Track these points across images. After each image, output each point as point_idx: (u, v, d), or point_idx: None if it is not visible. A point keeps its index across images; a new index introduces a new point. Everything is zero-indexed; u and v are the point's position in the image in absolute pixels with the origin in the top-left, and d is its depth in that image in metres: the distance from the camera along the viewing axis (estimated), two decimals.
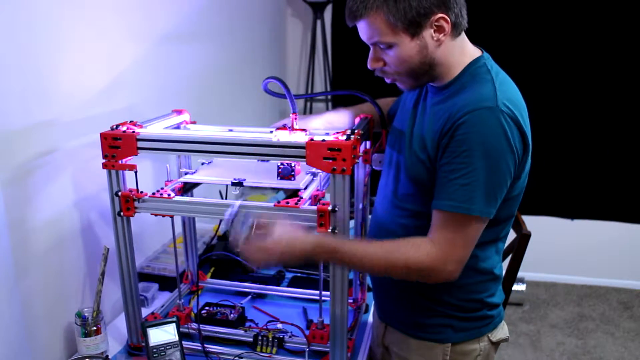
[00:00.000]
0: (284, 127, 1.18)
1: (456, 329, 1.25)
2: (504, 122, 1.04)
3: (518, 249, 1.60)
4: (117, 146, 1.21)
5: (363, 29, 1.12)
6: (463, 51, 1.15)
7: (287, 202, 1.17)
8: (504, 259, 1.40)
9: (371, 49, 1.16)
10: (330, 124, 1.39)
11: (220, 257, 1.75)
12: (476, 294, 1.24)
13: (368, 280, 1.59)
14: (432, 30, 1.09)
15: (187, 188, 1.41)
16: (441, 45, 1.11)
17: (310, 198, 1.22)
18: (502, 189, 1.09)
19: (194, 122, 1.50)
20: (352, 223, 1.42)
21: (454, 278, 1.10)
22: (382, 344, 1.40)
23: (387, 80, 1.20)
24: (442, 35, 1.09)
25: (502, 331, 1.32)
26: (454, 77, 1.15)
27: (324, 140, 1.11)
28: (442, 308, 1.24)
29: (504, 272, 1.36)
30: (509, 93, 1.10)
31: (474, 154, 1.04)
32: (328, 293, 1.22)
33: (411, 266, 1.08)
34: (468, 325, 1.26)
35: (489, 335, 1.28)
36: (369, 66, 1.17)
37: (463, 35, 1.15)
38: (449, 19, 1.08)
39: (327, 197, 1.18)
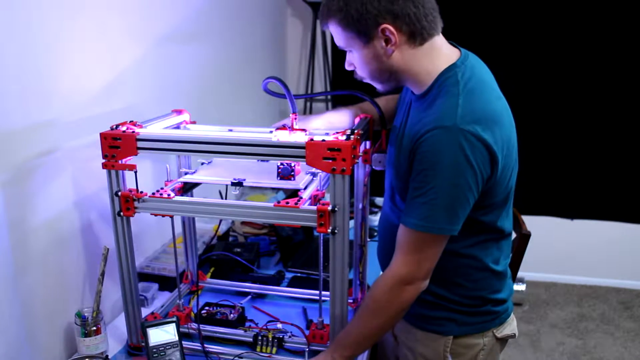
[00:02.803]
0: (284, 127, 1.18)
1: (459, 323, 1.26)
2: (463, 141, 1.03)
3: (518, 249, 1.60)
4: (117, 146, 1.21)
5: (333, 34, 1.19)
6: (433, 58, 1.14)
7: (287, 202, 1.17)
8: None
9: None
10: (331, 124, 1.39)
11: (220, 257, 1.75)
12: (477, 291, 1.25)
13: (368, 281, 1.59)
14: (382, 41, 1.11)
15: (187, 188, 1.41)
16: (395, 55, 1.13)
17: (310, 198, 1.22)
18: (464, 205, 1.09)
19: (194, 122, 1.50)
20: (352, 223, 1.42)
21: (419, 287, 1.14)
22: (392, 333, 1.43)
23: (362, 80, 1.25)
24: (390, 45, 1.11)
25: (509, 327, 1.32)
26: (428, 86, 1.15)
27: (323, 140, 1.11)
28: (444, 302, 1.26)
29: None
30: (476, 106, 1.07)
31: (430, 173, 1.06)
32: (328, 293, 1.22)
33: (381, 306, 1.15)
34: (471, 319, 1.27)
35: (494, 330, 1.29)
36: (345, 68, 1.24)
37: (433, 41, 1.14)
38: (395, 30, 1.09)
39: (327, 197, 1.18)
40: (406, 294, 1.13)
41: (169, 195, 1.26)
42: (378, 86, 1.22)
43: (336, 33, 1.16)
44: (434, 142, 1.05)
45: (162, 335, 1.26)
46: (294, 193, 1.24)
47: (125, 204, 1.24)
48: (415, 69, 1.15)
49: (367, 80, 1.22)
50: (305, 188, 1.26)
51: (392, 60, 1.13)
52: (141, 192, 1.25)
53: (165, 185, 1.35)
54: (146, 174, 1.61)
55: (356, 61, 1.18)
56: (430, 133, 1.06)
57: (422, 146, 1.07)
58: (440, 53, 1.15)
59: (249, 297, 1.62)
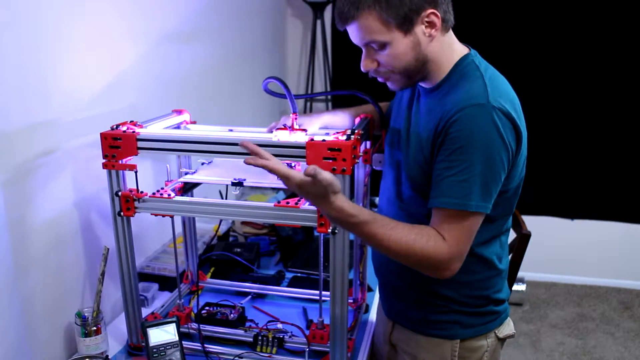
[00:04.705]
0: (284, 127, 1.18)
1: (464, 325, 1.26)
2: (496, 118, 1.05)
3: (518, 249, 1.60)
4: (117, 146, 1.21)
5: (355, 31, 1.12)
6: (452, 48, 1.16)
7: (287, 202, 1.17)
8: None
9: (364, 50, 1.15)
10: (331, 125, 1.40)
11: (220, 257, 1.75)
12: (482, 290, 1.25)
13: (368, 280, 1.59)
14: (423, 26, 1.10)
15: (187, 188, 1.41)
16: (433, 41, 1.12)
17: None
18: (497, 184, 1.09)
19: (194, 122, 1.50)
20: None
21: (452, 274, 1.09)
22: (389, 342, 1.40)
23: (380, 79, 1.20)
24: (433, 30, 1.10)
25: (508, 327, 1.33)
26: (443, 76, 1.16)
27: (324, 140, 1.11)
28: (449, 304, 1.25)
29: None
30: (500, 88, 1.11)
31: (468, 150, 1.05)
32: (328, 293, 1.22)
33: (421, 257, 1.07)
34: (475, 320, 1.26)
35: (496, 331, 1.29)
36: (362, 68, 1.17)
37: (451, 32, 1.16)
38: (439, 14, 1.09)
39: None
40: (438, 273, 1.08)
41: (169, 195, 1.26)
42: (401, 82, 1.17)
43: (370, 27, 1.09)
44: (468, 119, 1.05)
45: (162, 335, 1.26)
46: (294, 193, 1.23)
47: (126, 204, 1.24)
48: (441, 58, 1.15)
49: (394, 76, 1.16)
50: None
51: (429, 47, 1.12)
52: (141, 192, 1.25)
53: (166, 185, 1.35)
54: (146, 174, 1.61)
55: (389, 55, 1.12)
56: (463, 111, 1.06)
57: (454, 125, 1.06)
58: (456, 43, 1.18)
59: (249, 297, 1.62)
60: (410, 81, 1.18)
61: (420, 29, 1.10)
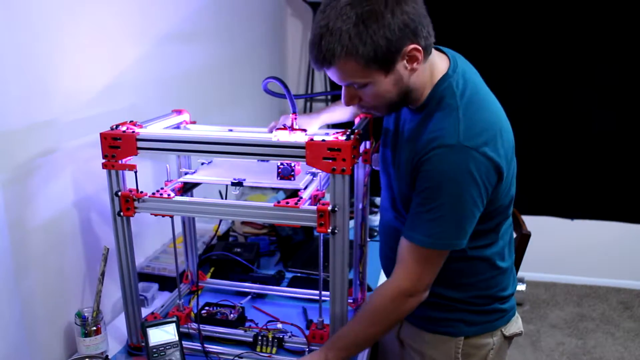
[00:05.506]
0: (283, 127, 1.18)
1: (468, 323, 1.27)
2: (466, 158, 1.03)
3: (518, 249, 1.60)
4: (117, 146, 1.21)
5: (334, 74, 1.07)
6: (432, 70, 1.12)
7: (287, 202, 1.17)
8: None
9: (344, 88, 1.12)
10: (332, 121, 1.40)
11: (220, 257, 1.75)
12: (487, 290, 1.25)
13: (368, 280, 1.59)
14: (404, 62, 1.05)
15: (187, 188, 1.41)
16: (414, 73, 1.08)
17: (310, 198, 1.22)
18: (471, 219, 1.09)
19: (193, 122, 1.50)
20: (352, 223, 1.42)
21: (424, 298, 1.15)
22: (397, 338, 1.42)
23: (365, 111, 1.21)
24: (415, 63, 1.06)
25: (515, 325, 1.33)
26: (424, 99, 1.13)
27: (323, 140, 1.11)
28: (454, 304, 1.26)
29: None
30: (475, 120, 1.07)
31: (436, 191, 1.05)
32: (328, 293, 1.22)
33: (387, 310, 1.15)
34: (480, 319, 1.27)
35: (502, 329, 1.30)
36: (344, 104, 1.15)
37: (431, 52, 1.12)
38: (420, 47, 1.04)
39: (327, 197, 1.18)
40: (407, 305, 1.14)
41: (169, 195, 1.26)
42: (385, 112, 1.17)
43: (349, 72, 1.04)
44: (438, 160, 1.05)
45: (162, 335, 1.26)
46: (294, 193, 1.24)
47: (125, 204, 1.24)
48: (423, 83, 1.11)
49: (378, 109, 1.15)
50: (305, 188, 1.26)
51: (411, 79, 1.08)
52: (141, 192, 1.25)
53: (165, 185, 1.35)
54: (146, 174, 1.61)
55: (371, 94, 1.08)
56: (433, 152, 1.05)
57: (425, 164, 1.06)
58: (434, 63, 1.13)
59: (249, 297, 1.62)
60: (395, 110, 1.18)
61: (401, 65, 1.05)
